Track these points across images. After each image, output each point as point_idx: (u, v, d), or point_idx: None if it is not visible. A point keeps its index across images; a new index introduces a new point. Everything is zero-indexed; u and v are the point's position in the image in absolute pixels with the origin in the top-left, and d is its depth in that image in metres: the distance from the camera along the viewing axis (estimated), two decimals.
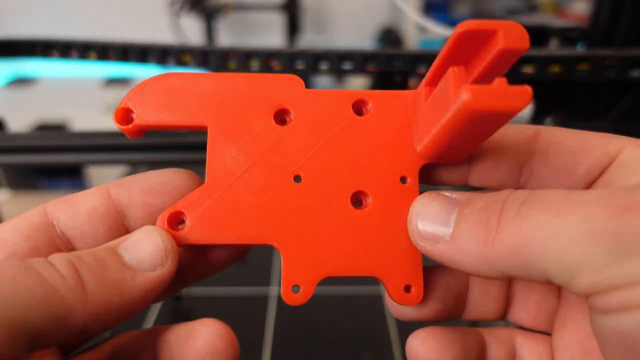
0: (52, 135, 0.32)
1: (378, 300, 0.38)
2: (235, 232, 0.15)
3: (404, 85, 0.28)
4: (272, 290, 0.39)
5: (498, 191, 0.14)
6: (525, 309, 0.17)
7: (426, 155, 0.16)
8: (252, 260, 0.41)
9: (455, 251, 0.14)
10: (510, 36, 0.12)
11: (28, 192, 1.04)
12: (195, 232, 0.15)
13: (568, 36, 0.37)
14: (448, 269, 0.17)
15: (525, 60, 0.31)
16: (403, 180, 0.16)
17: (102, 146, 0.32)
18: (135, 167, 0.63)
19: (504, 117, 0.12)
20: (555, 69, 0.31)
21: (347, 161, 0.16)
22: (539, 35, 0.39)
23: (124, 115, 0.16)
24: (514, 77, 0.31)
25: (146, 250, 0.14)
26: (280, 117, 0.16)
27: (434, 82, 0.15)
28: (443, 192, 0.15)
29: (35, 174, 1.30)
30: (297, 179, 0.16)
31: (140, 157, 0.32)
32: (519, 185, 0.16)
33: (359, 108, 0.16)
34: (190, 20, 1.27)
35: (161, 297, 0.16)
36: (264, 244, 0.16)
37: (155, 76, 0.16)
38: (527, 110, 0.43)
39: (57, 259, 0.13)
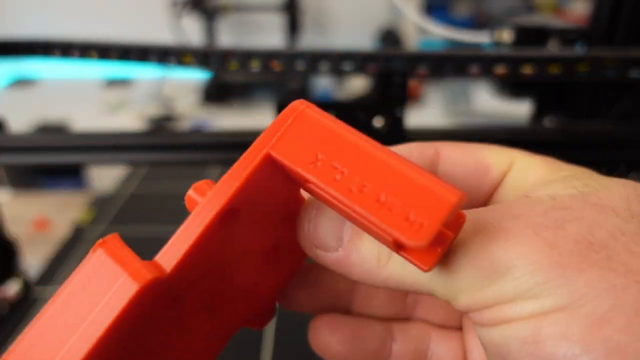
0: (53, 135, 0.32)
1: None
2: None
3: (403, 86, 0.29)
4: None
5: None
6: (433, 313, 0.18)
7: None
8: None
9: (347, 264, 0.14)
10: None
11: (30, 192, 1.05)
12: None
13: (567, 37, 0.37)
14: (326, 270, 0.16)
15: (524, 60, 0.31)
16: None
17: (103, 146, 0.32)
18: (136, 167, 0.63)
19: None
20: (555, 69, 0.31)
21: (253, 246, 0.15)
22: (538, 35, 0.39)
23: None
24: (514, 77, 0.31)
25: None
26: (168, 306, 0.13)
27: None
28: None
29: (36, 173, 1.30)
30: (214, 301, 0.15)
31: (141, 157, 0.32)
32: None
33: (227, 221, 0.13)
34: (190, 21, 1.27)
35: None
36: None
37: None
38: (527, 111, 0.43)
39: None
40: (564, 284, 0.11)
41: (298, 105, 0.13)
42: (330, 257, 0.14)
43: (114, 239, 0.12)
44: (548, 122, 0.38)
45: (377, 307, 0.18)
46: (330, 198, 0.12)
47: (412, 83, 1.17)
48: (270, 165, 0.13)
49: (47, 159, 0.32)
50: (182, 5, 1.20)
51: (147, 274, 0.11)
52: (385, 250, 0.14)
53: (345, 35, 1.48)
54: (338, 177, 0.12)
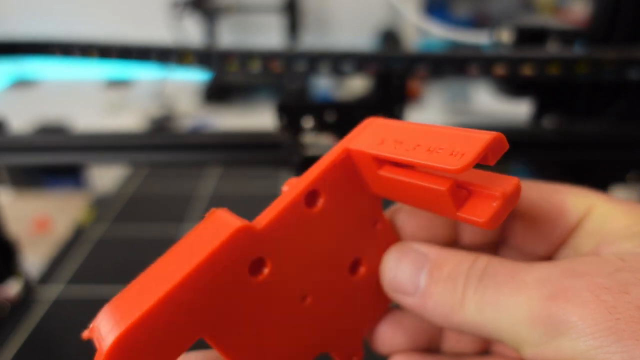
0: (54, 135, 0.32)
1: None
2: None
3: (402, 87, 0.29)
4: None
5: (463, 255, 0.16)
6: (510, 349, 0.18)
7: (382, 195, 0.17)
8: None
9: (424, 308, 0.16)
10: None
11: (31, 191, 1.05)
12: None
13: (566, 37, 0.37)
14: None
15: (524, 61, 0.31)
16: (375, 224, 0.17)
17: (103, 146, 0.32)
18: (137, 167, 0.63)
19: None
20: (554, 70, 0.31)
21: (334, 249, 0.16)
22: (538, 35, 0.39)
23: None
24: (514, 77, 0.31)
25: None
26: (255, 269, 0.15)
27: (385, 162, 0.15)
28: (414, 246, 0.17)
29: (38, 172, 1.30)
30: (303, 299, 0.16)
31: (142, 158, 0.32)
32: (501, 240, 0.18)
33: (310, 202, 0.15)
34: (191, 21, 1.27)
35: None
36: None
37: (127, 328, 0.12)
38: (527, 110, 0.43)
39: None
40: (620, 350, 0.12)
41: (370, 118, 0.17)
42: (409, 300, 0.16)
43: (223, 210, 0.15)
44: (548, 121, 0.38)
45: (466, 345, 0.19)
46: (392, 159, 0.14)
47: (412, 83, 1.17)
48: (348, 160, 0.16)
49: (48, 159, 0.32)
50: (183, 7, 1.20)
51: (242, 223, 0.14)
52: (457, 298, 0.15)
53: (345, 35, 1.48)
54: (398, 146, 0.14)
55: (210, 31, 1.29)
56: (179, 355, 0.13)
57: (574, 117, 0.38)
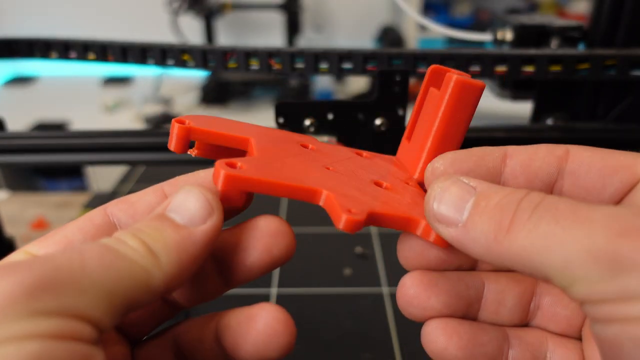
0: (52, 135, 0.32)
1: (378, 300, 0.38)
2: (282, 177, 0.17)
3: (404, 85, 0.28)
4: (272, 291, 0.39)
5: (514, 189, 0.15)
6: (553, 321, 0.18)
7: (420, 179, 0.19)
8: None
9: (466, 239, 0.15)
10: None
11: (26, 193, 1.04)
12: (247, 172, 0.16)
13: (569, 35, 0.37)
14: (460, 276, 0.18)
15: (525, 60, 0.31)
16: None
17: (102, 146, 0.31)
18: (134, 167, 0.63)
19: (477, 93, 0.18)
20: (556, 68, 0.31)
21: (361, 173, 0.19)
22: (539, 34, 0.39)
23: (180, 120, 0.18)
24: (515, 76, 0.31)
25: (193, 207, 0.15)
26: (304, 145, 0.20)
27: (411, 133, 0.21)
28: (462, 177, 0.16)
29: (33, 174, 1.29)
30: (327, 169, 0.19)
31: (140, 157, 0.32)
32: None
33: (358, 154, 0.21)
34: (189, 20, 1.26)
35: (208, 297, 0.18)
36: (310, 192, 0.17)
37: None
38: (527, 111, 0.43)
39: (123, 235, 0.14)
40: None
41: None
42: (450, 231, 0.15)
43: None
44: (549, 122, 0.38)
45: (503, 315, 0.18)
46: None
47: (412, 82, 1.17)
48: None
49: (46, 159, 0.32)
50: (179, 4, 1.19)
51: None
52: (504, 226, 0.14)
53: (345, 34, 1.48)
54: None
55: (209, 30, 1.28)
56: (232, 130, 0.19)
57: (575, 119, 0.38)
